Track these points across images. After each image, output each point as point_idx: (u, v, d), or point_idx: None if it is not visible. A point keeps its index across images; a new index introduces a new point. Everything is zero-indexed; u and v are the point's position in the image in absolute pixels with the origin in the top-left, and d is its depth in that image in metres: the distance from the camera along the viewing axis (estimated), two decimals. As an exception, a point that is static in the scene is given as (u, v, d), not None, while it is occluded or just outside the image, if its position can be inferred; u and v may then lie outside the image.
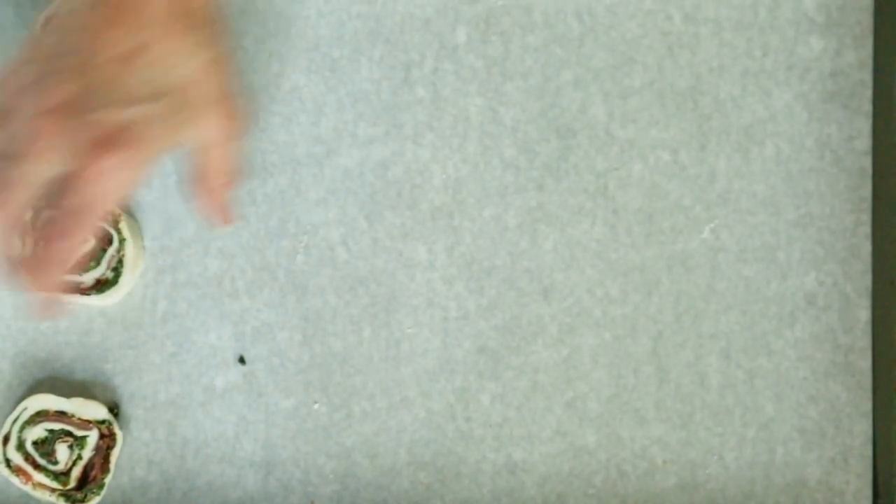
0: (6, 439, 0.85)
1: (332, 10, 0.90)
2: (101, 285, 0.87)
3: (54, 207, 0.75)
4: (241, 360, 0.88)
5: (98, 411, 0.85)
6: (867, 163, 0.89)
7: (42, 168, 0.73)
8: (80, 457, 0.85)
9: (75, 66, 0.74)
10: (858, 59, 0.89)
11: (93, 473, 0.85)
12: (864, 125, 0.89)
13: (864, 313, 0.88)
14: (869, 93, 0.89)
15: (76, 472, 0.85)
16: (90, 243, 0.85)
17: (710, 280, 0.88)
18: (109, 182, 0.73)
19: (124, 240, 0.87)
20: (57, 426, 0.85)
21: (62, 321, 0.88)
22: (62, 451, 0.85)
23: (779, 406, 0.87)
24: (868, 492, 0.86)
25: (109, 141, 0.72)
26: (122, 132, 0.73)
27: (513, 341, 0.88)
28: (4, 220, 0.74)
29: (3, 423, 0.86)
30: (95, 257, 0.86)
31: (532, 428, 0.87)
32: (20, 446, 0.85)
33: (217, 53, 0.78)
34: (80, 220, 0.73)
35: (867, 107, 0.89)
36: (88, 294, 0.86)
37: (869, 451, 0.86)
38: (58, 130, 0.72)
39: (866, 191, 0.88)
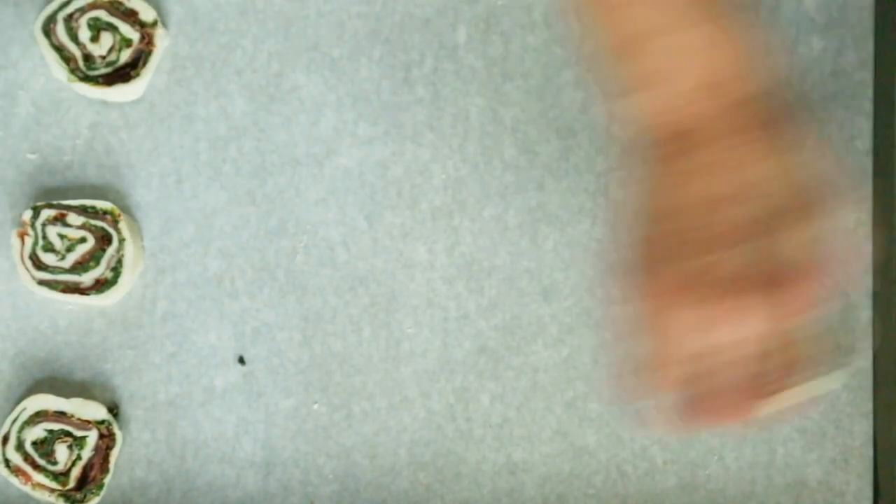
0: (5, 439, 0.85)
1: (331, 10, 0.90)
2: (101, 285, 0.86)
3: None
4: (241, 361, 0.88)
5: (97, 411, 0.85)
6: (868, 163, 0.88)
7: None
8: (79, 457, 0.85)
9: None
10: (859, 58, 0.89)
11: (92, 474, 0.85)
12: (864, 125, 0.89)
13: (864, 313, 0.87)
14: (870, 93, 0.89)
15: (75, 473, 0.85)
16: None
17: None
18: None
19: (124, 240, 0.86)
20: (56, 426, 0.85)
21: (61, 321, 0.88)
22: (61, 452, 0.85)
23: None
24: (869, 492, 0.86)
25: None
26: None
27: (513, 341, 0.87)
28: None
29: (3, 423, 0.86)
30: (95, 257, 0.86)
31: (532, 428, 0.87)
32: (19, 446, 0.85)
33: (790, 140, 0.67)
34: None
35: (868, 107, 0.89)
36: (88, 294, 0.86)
37: (869, 452, 0.86)
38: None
39: (867, 191, 0.88)
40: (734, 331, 0.64)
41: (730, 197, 0.64)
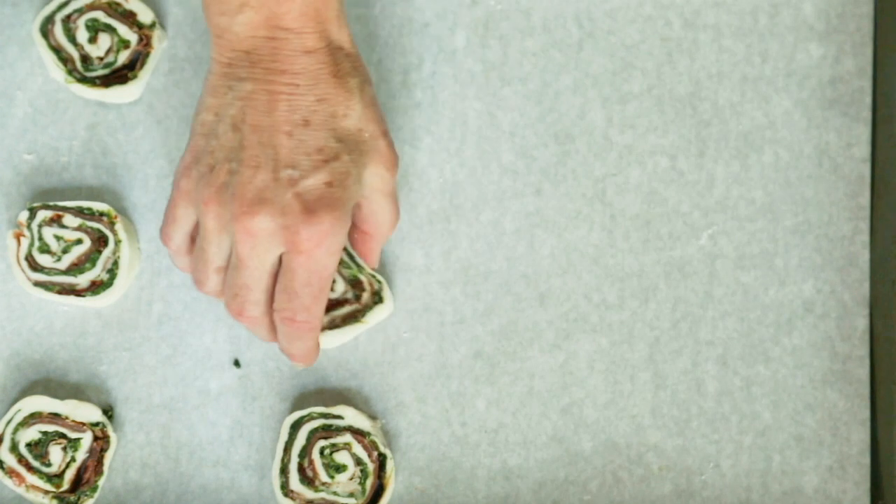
0: (-1, 441, 0.85)
1: (330, 13, 0.90)
2: (97, 287, 0.86)
3: (285, 293, 0.77)
4: (236, 364, 0.87)
5: (92, 413, 0.85)
6: (866, 170, 0.88)
7: (264, 260, 0.75)
8: (73, 459, 0.85)
9: (257, 156, 0.75)
10: (858, 66, 0.89)
11: (86, 476, 0.85)
12: (863, 132, 0.89)
13: (861, 321, 0.87)
14: (868, 100, 0.89)
15: (69, 475, 0.85)
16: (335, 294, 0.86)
17: (708, 286, 0.87)
18: (324, 248, 0.75)
19: (120, 241, 0.86)
20: (51, 428, 0.85)
21: (56, 322, 0.87)
22: (56, 454, 0.85)
23: (776, 414, 0.87)
24: (866, 500, 0.86)
25: (314, 208, 0.74)
26: (321, 197, 0.74)
27: (509, 346, 0.87)
28: (253, 324, 0.80)
29: (-3, 424, 0.86)
30: (91, 259, 0.86)
31: (528, 433, 0.86)
32: (13, 448, 0.85)
33: (370, 94, 0.78)
34: (314, 293, 0.77)
35: (866, 114, 0.89)
36: (83, 295, 0.86)
37: (866, 460, 0.86)
38: (263, 218, 0.74)
39: (865, 198, 0.88)
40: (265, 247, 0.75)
41: (313, 123, 0.74)
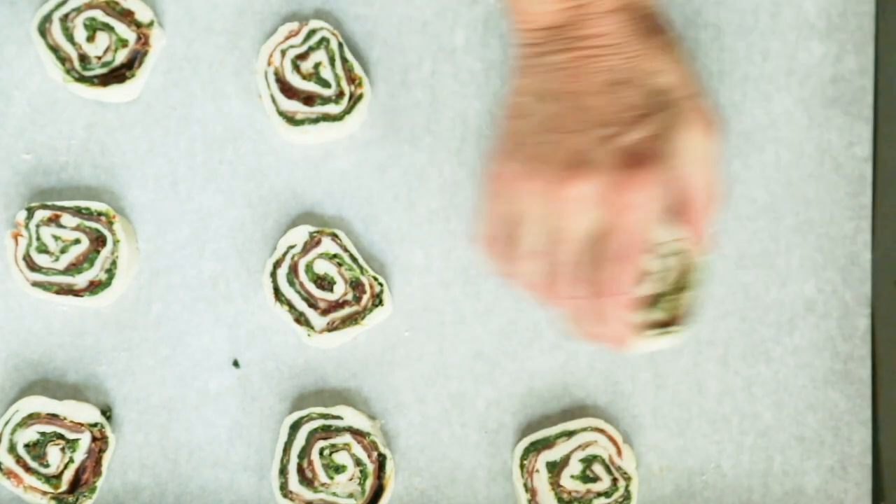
0: (-3, 441, 0.85)
1: (330, 11, 0.89)
2: (95, 287, 0.86)
3: (597, 263, 0.72)
4: (235, 364, 0.87)
5: (90, 414, 0.85)
6: (867, 169, 0.88)
7: (582, 227, 0.71)
8: (71, 460, 0.85)
9: (572, 122, 0.72)
10: (859, 64, 0.89)
11: (84, 477, 0.85)
12: (864, 131, 0.88)
13: (863, 321, 0.87)
14: (870, 98, 0.88)
15: (68, 476, 0.85)
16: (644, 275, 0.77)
17: (709, 286, 0.87)
18: (640, 211, 0.70)
19: (118, 241, 0.86)
20: (49, 429, 0.85)
21: (54, 323, 0.87)
22: (54, 454, 0.84)
23: (777, 414, 0.86)
24: (867, 500, 0.86)
25: (632, 163, 0.70)
26: (638, 152, 0.71)
27: (509, 346, 0.87)
28: (574, 306, 0.74)
29: (-5, 425, 0.86)
30: (89, 259, 0.86)
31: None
32: (12, 449, 0.85)
33: (678, 51, 0.75)
34: (631, 258, 0.71)
35: (868, 113, 0.88)
36: (82, 296, 0.86)
37: (868, 460, 0.86)
38: (582, 180, 0.70)
39: (866, 198, 0.88)
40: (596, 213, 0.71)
41: (624, 81, 0.72)
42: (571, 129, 0.72)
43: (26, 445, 0.85)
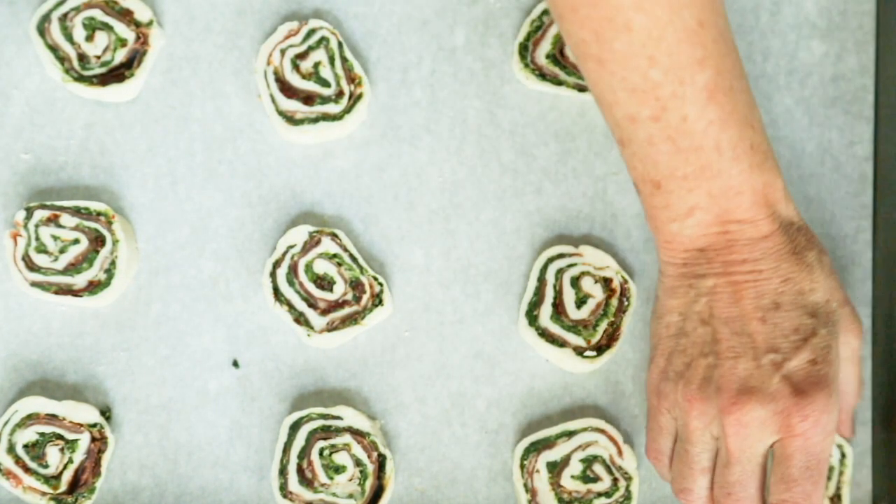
0: (-4, 442, 0.85)
1: (329, 10, 0.89)
2: (94, 287, 0.86)
3: (782, 482, 0.74)
4: (235, 364, 0.87)
5: (90, 414, 0.85)
6: (868, 169, 0.88)
7: (756, 452, 0.73)
8: (71, 460, 0.84)
9: (734, 347, 0.74)
10: (860, 63, 0.89)
11: (84, 477, 0.85)
12: (865, 131, 0.88)
13: (864, 321, 0.87)
14: (871, 98, 0.88)
15: (67, 476, 0.84)
16: None
17: None
18: (820, 428, 0.72)
19: (118, 241, 0.86)
20: (48, 429, 0.84)
21: (53, 323, 0.87)
22: (53, 455, 0.84)
23: (778, 414, 0.86)
24: (867, 501, 0.86)
25: (804, 389, 0.72)
26: (808, 376, 0.72)
27: (509, 346, 0.87)
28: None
29: (-6, 425, 0.86)
30: (88, 259, 0.86)
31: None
32: (11, 449, 0.84)
33: (827, 263, 0.76)
34: (814, 477, 0.73)
35: (869, 112, 0.88)
36: (81, 296, 0.86)
37: (868, 461, 0.86)
38: (753, 407, 0.72)
39: (867, 197, 0.88)
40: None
41: (782, 304, 0.73)
42: (736, 355, 0.73)
43: (25, 446, 0.85)
